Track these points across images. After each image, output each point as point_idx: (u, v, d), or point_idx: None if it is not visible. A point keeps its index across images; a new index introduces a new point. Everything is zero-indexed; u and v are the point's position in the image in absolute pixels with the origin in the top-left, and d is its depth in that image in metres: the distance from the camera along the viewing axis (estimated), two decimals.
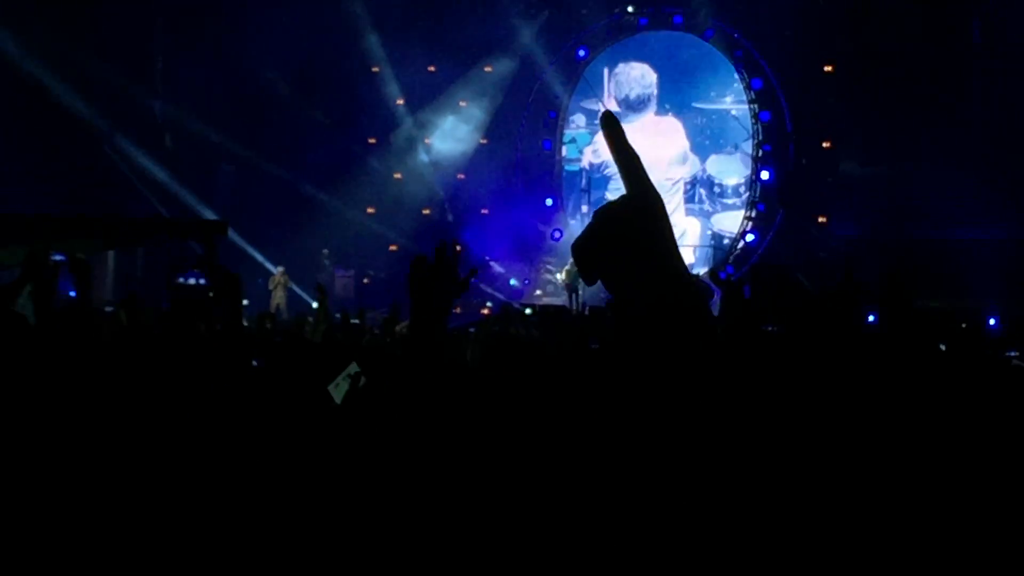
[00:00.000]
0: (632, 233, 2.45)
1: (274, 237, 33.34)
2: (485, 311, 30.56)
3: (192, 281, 25.95)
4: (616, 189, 35.20)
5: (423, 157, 36.32)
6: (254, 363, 9.36)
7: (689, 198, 35.35)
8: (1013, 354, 15.13)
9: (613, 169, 33.50)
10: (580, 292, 32.17)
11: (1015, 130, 31.03)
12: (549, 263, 34.64)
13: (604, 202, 2.52)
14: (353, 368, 6.29)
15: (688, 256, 34.35)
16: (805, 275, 30.14)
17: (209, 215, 32.51)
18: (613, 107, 36.01)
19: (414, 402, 4.59)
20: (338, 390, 6.27)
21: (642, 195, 2.47)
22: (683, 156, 35.42)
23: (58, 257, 10.98)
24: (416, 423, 4.59)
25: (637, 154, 2.50)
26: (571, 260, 26.53)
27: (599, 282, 2.45)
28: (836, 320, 4.66)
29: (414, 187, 36.00)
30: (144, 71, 34.41)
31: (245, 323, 18.78)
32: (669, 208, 2.70)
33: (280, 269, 31.46)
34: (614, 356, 2.52)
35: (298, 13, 33.30)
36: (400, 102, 36.00)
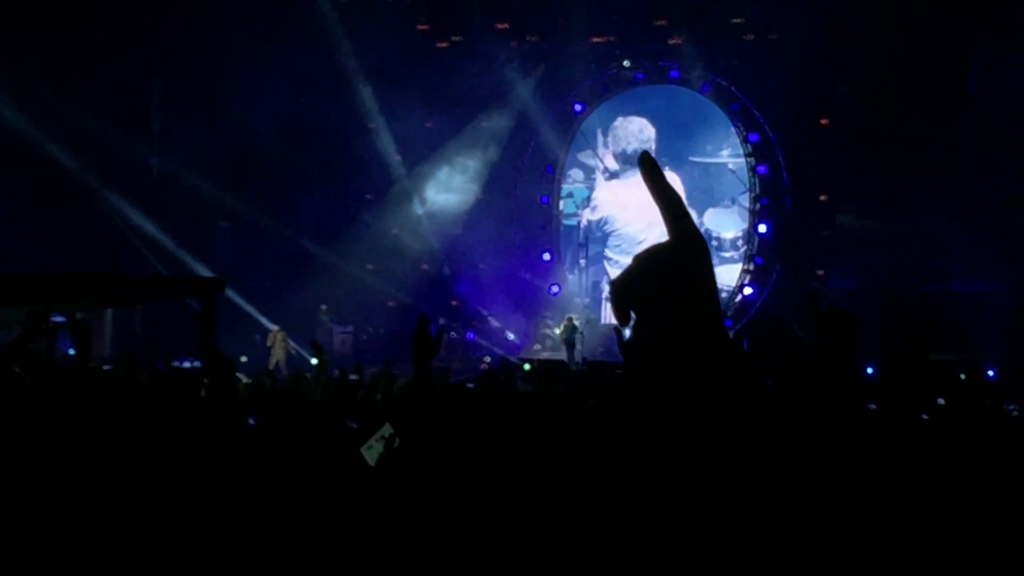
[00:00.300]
0: (674, 278, 2.43)
1: (272, 294, 33.34)
2: (483, 366, 30.54)
3: (187, 364, 25.89)
4: (615, 246, 35.35)
5: (419, 212, 36.32)
6: (250, 421, 9.35)
7: None
8: (1012, 407, 15.12)
9: (612, 225, 33.66)
10: (578, 347, 32.17)
11: (1011, 183, 31.11)
12: (547, 317, 34.61)
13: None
14: (387, 430, 6.29)
15: None
16: (803, 328, 30.22)
17: (206, 273, 32.49)
18: (611, 162, 36.14)
19: (415, 457, 4.58)
20: (371, 452, 6.26)
21: (685, 240, 2.45)
22: None
23: (58, 318, 11.02)
24: (416, 477, 4.57)
25: (678, 195, 2.48)
26: (568, 316, 26.59)
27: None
28: (831, 373, 4.63)
29: (411, 242, 36.03)
30: (141, 130, 34.46)
31: (246, 380, 18.79)
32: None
33: (276, 327, 31.47)
34: (633, 397, 2.50)
35: (293, 70, 33.36)
36: (397, 157, 36.03)
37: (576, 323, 32.96)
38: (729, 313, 33.97)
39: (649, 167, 2.46)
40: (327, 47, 34.19)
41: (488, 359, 32.43)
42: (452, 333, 33.63)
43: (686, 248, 2.42)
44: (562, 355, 32.13)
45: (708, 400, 2.39)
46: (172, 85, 34.70)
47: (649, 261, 2.43)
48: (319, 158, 35.47)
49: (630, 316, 2.48)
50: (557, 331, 33.29)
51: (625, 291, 2.47)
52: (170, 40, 34.25)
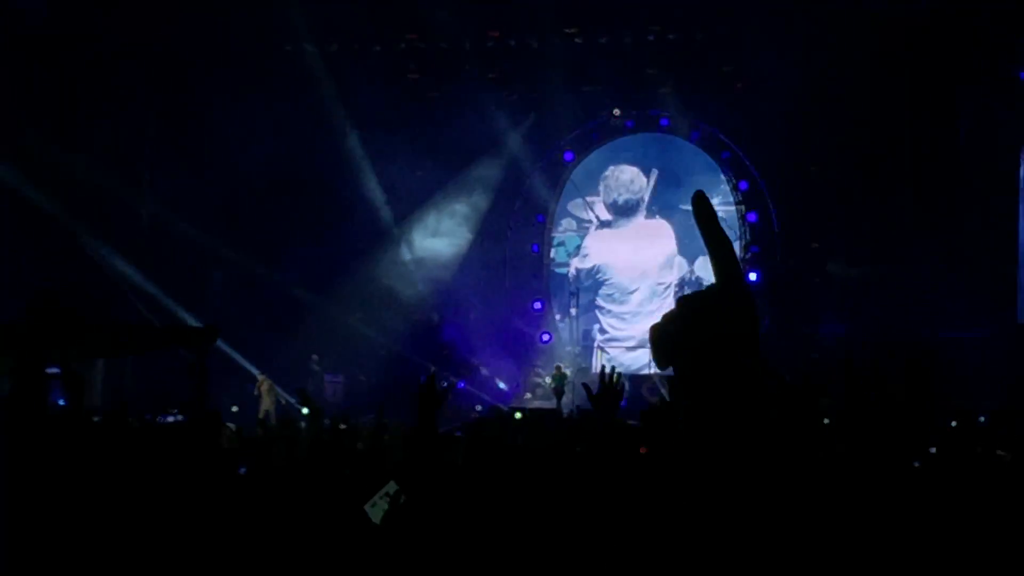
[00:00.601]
0: (717, 326, 2.41)
1: (263, 343, 33.25)
2: (474, 414, 30.50)
3: (171, 419, 25.81)
4: (607, 295, 35.38)
5: (407, 259, 36.28)
6: (241, 470, 9.33)
7: None
8: (1003, 454, 15.11)
9: (603, 274, 33.62)
10: (569, 396, 32.14)
11: (999, 231, 31.27)
12: (538, 366, 34.55)
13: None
14: (392, 487, 6.26)
15: None
16: (792, 375, 30.16)
17: (197, 322, 32.37)
18: (602, 211, 36.21)
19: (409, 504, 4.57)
20: (375, 510, 6.24)
21: (729, 288, 2.43)
22: (671, 259, 35.55)
23: (52, 370, 10.97)
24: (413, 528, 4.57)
25: (728, 240, 2.46)
26: (557, 364, 26.55)
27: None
28: (799, 415, 4.65)
29: (402, 289, 35.95)
30: (132, 178, 34.43)
31: (232, 427, 18.73)
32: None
33: (263, 376, 31.38)
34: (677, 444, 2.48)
35: (282, 118, 33.36)
36: (386, 206, 36.04)
37: (565, 372, 32.94)
38: None
39: (700, 208, 2.44)
40: (317, 95, 34.25)
41: (479, 407, 32.39)
42: (445, 384, 33.52)
43: (730, 293, 2.41)
44: (553, 404, 32.10)
45: (742, 442, 2.39)
46: (163, 133, 34.70)
47: (690, 311, 2.42)
48: (309, 206, 35.37)
49: (668, 364, 2.46)
50: (548, 380, 33.24)
51: (664, 339, 2.45)
52: (161, 89, 34.33)
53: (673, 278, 35.43)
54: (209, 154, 32.95)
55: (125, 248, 33.38)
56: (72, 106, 32.33)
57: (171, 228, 33.72)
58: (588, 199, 36.48)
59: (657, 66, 33.83)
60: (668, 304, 34.79)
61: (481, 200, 36.18)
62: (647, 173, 35.81)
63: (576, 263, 36.60)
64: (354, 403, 32.41)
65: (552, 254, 37.08)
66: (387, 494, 6.13)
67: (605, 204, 36.35)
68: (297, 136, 33.89)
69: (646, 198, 35.87)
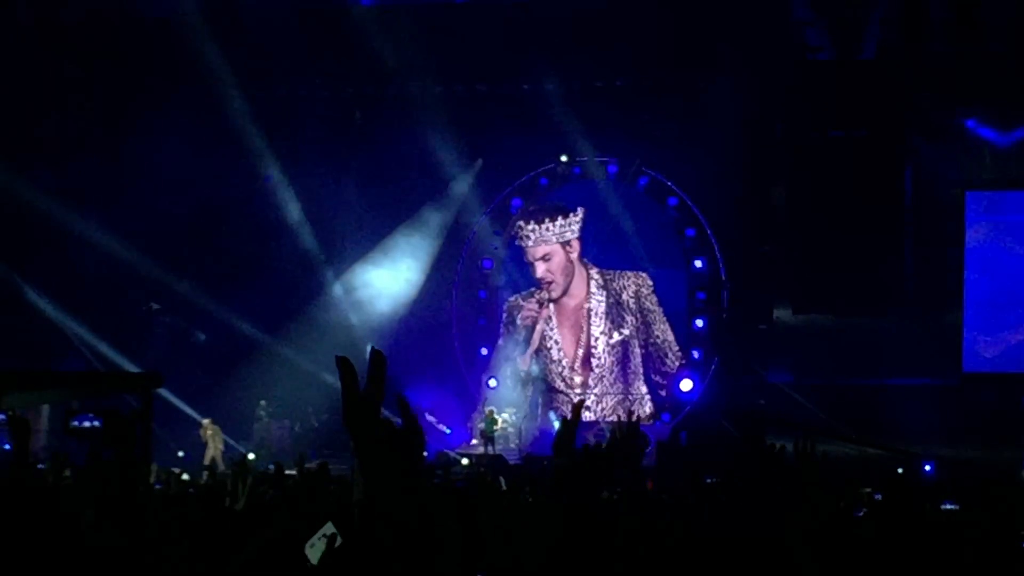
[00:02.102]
0: None
1: (208, 389, 33.05)
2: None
3: (87, 424, 25.59)
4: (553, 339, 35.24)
5: (349, 315, 36.06)
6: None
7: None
8: (950, 506, 15.15)
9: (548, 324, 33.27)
10: (496, 442, 32.13)
11: (944, 282, 31.55)
12: (481, 415, 34.35)
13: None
14: (329, 528, 6.22)
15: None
16: (737, 422, 30.36)
17: (139, 368, 32.13)
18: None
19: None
20: (313, 551, 6.19)
21: None
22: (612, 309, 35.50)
23: None
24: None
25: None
26: (489, 408, 26.51)
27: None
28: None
29: (346, 333, 35.75)
30: (70, 222, 34.23)
31: (185, 477, 18.59)
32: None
33: (207, 420, 31.13)
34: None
35: (224, 162, 33.37)
36: (333, 249, 35.93)
37: (497, 417, 32.85)
38: (667, 407, 34.12)
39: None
40: (259, 140, 34.08)
41: (424, 453, 32.21)
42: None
43: None
44: (500, 448, 32.07)
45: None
46: (100, 173, 34.42)
47: None
48: (251, 252, 35.11)
49: None
50: (480, 425, 33.10)
51: None
52: (90, 131, 34.13)
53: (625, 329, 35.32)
54: (147, 197, 32.79)
55: (65, 293, 33.19)
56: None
57: (112, 272, 33.56)
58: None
59: (605, 113, 33.89)
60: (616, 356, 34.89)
61: (428, 245, 36.06)
62: (590, 220, 35.55)
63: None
64: (302, 448, 32.32)
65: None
66: (324, 535, 6.10)
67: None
68: (238, 181, 33.82)
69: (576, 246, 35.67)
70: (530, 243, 35.21)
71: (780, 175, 33.47)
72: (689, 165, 33.72)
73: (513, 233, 35.80)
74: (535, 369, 35.27)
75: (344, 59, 33.50)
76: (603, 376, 34.86)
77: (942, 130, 31.90)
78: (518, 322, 35.90)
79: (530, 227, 35.07)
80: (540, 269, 35.12)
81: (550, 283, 35.19)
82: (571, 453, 4.69)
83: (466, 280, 36.71)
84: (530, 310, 35.80)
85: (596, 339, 35.08)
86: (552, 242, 35.07)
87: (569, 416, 4.71)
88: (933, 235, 31.98)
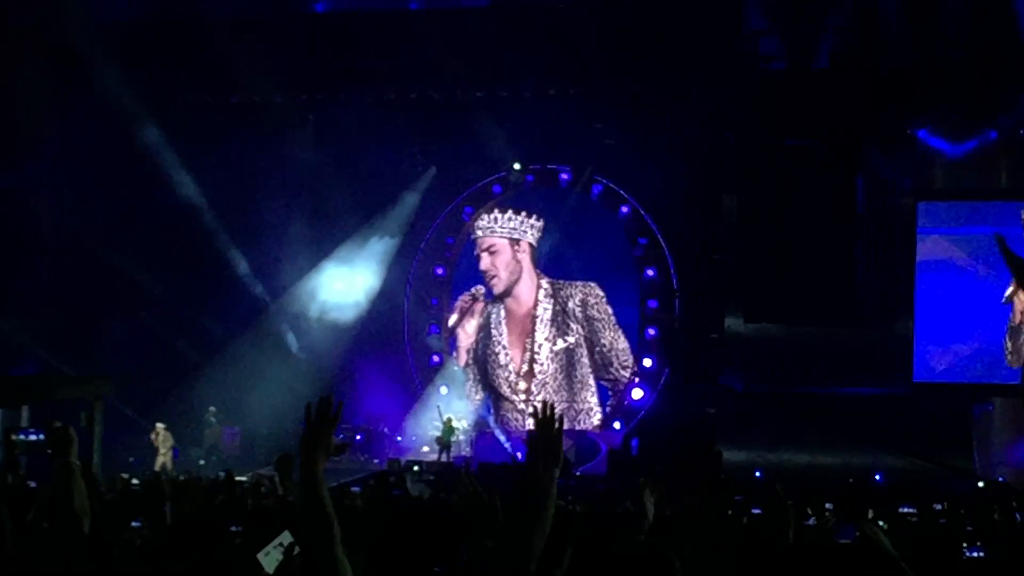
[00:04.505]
0: None
1: (158, 395, 32.84)
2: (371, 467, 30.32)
3: (33, 437, 25.41)
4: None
5: (303, 323, 35.90)
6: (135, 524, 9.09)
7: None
8: (908, 510, 15.22)
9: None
10: (451, 450, 32.17)
11: (896, 290, 31.68)
12: (434, 420, 34.22)
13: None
14: (286, 537, 6.13)
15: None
16: (690, 434, 30.49)
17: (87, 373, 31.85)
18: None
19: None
20: (268, 559, 6.09)
21: None
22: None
23: None
24: None
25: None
26: (448, 416, 26.50)
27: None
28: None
29: (301, 347, 35.63)
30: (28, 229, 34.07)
31: (135, 482, 18.41)
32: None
33: (161, 425, 30.91)
34: None
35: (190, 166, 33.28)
36: (283, 260, 35.75)
37: (455, 425, 32.90)
38: (619, 415, 34.14)
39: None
40: (213, 148, 33.87)
41: (376, 460, 32.24)
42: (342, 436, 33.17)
43: None
44: (455, 457, 32.09)
45: None
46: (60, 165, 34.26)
47: None
48: (202, 262, 34.89)
49: None
50: (438, 431, 33.06)
51: None
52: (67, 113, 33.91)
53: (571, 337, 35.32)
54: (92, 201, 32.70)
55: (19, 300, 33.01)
56: None
57: (63, 277, 33.40)
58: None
59: (558, 121, 33.85)
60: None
61: (381, 253, 35.95)
62: (544, 230, 35.56)
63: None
64: (253, 454, 32.20)
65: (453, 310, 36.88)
66: (281, 544, 6.01)
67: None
68: (188, 185, 33.69)
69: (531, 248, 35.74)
70: (479, 232, 35.47)
71: (733, 184, 33.56)
72: (642, 173, 33.77)
73: (470, 226, 35.94)
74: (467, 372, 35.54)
75: (298, 65, 33.33)
76: (546, 383, 34.90)
77: (894, 140, 32.06)
78: (454, 316, 36.10)
79: (485, 216, 35.29)
80: (485, 261, 35.32)
81: (492, 277, 35.30)
82: (559, 463, 4.58)
83: (419, 287, 36.61)
84: (464, 301, 35.92)
85: (540, 346, 35.15)
86: (501, 235, 35.17)
87: (527, 426, 4.66)
88: (885, 245, 32.12)
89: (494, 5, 33.46)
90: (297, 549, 5.66)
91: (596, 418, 34.51)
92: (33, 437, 25.29)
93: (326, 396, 4.66)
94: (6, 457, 23.48)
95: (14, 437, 25.56)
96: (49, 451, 6.41)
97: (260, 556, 6.14)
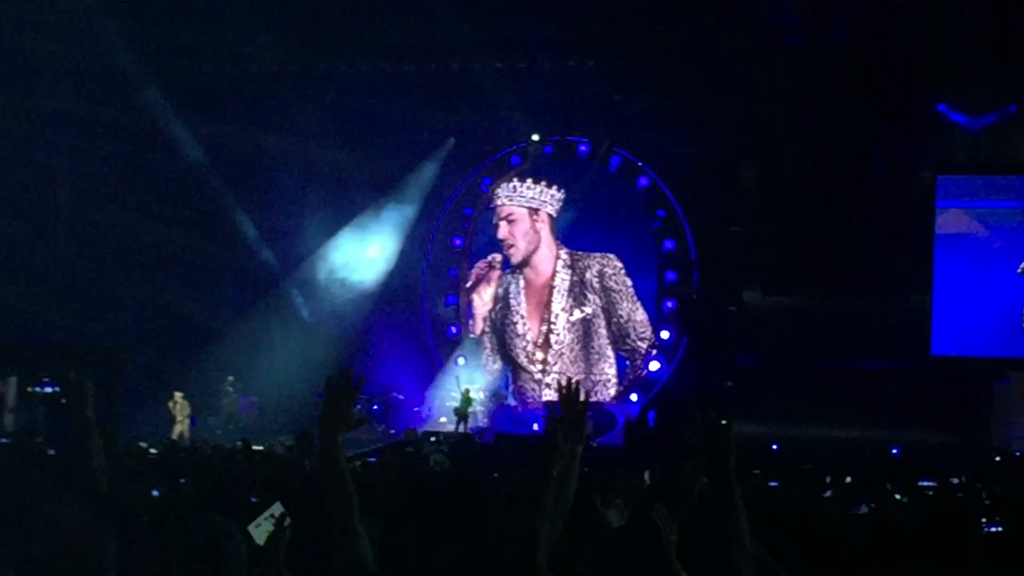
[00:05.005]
0: None
1: (177, 364, 32.95)
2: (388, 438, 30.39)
3: (49, 390, 25.54)
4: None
5: (322, 292, 35.92)
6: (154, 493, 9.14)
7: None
8: (926, 483, 15.21)
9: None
10: (468, 421, 32.19)
11: (914, 262, 31.58)
12: (452, 391, 34.25)
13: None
14: (277, 508, 6.15)
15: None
16: (705, 405, 30.33)
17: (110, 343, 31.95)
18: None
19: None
20: (259, 531, 6.12)
21: None
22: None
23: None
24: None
25: None
26: (465, 387, 26.43)
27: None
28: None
29: (320, 317, 35.68)
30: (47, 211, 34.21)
31: (153, 451, 18.49)
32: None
33: (179, 394, 31.06)
34: None
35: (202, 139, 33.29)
36: (302, 231, 35.81)
37: (472, 396, 32.92)
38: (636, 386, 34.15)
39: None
40: (234, 111, 33.84)
41: (392, 431, 32.35)
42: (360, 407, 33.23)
43: None
44: (472, 427, 32.16)
45: None
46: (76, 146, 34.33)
47: None
48: (223, 233, 35.02)
49: None
50: (456, 401, 33.09)
51: None
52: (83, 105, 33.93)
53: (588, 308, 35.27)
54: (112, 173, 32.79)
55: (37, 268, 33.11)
56: None
57: (82, 247, 33.50)
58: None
59: (576, 92, 33.83)
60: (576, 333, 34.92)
61: (400, 223, 35.97)
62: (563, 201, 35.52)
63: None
64: (270, 424, 32.34)
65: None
66: (272, 515, 6.03)
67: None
68: (206, 155, 33.76)
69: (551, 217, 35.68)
70: (500, 201, 35.31)
71: (751, 156, 33.51)
72: (660, 146, 33.79)
73: (490, 195, 35.99)
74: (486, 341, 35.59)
75: (316, 35, 33.24)
76: (562, 353, 34.85)
77: (913, 114, 31.90)
78: (470, 282, 36.11)
79: (504, 184, 35.26)
80: (503, 230, 35.17)
81: (510, 246, 35.21)
82: (582, 440, 4.58)
83: (436, 258, 36.64)
84: (480, 268, 35.92)
85: (556, 316, 35.07)
86: (520, 204, 35.10)
87: (543, 397, 4.67)
88: (903, 219, 31.98)
89: None
90: (288, 520, 5.68)
91: (613, 389, 34.50)
92: (49, 389, 25.49)
93: (347, 369, 4.67)
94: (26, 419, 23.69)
95: (30, 389, 25.77)
96: (63, 401, 6.43)
97: (251, 528, 6.18)
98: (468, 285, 36.19)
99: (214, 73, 34.04)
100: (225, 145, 33.63)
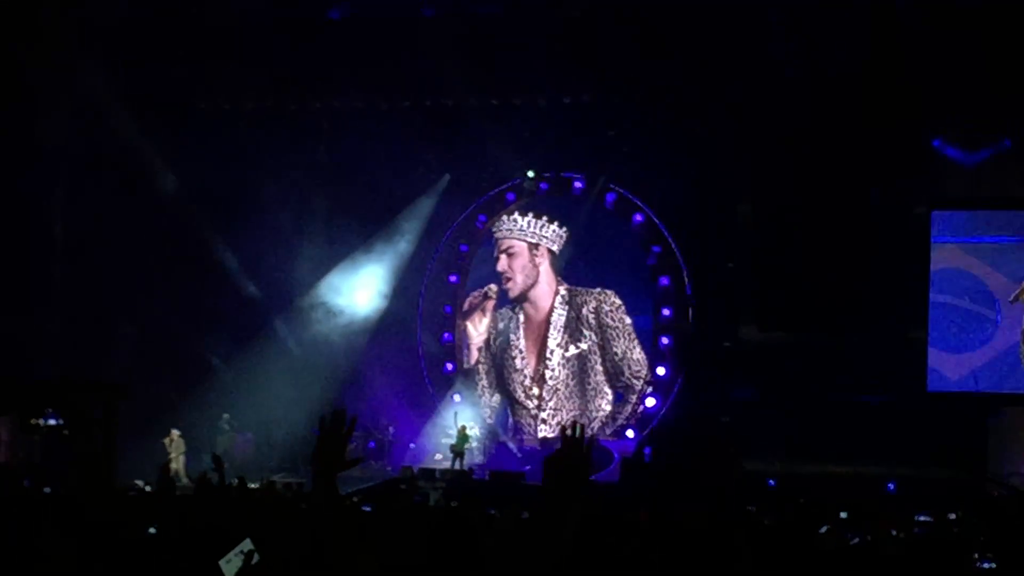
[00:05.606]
0: None
1: (173, 402, 32.93)
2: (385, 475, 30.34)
3: (52, 422, 25.51)
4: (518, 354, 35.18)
5: (318, 329, 35.86)
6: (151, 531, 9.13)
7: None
8: (922, 518, 15.22)
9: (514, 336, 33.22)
10: (464, 458, 32.11)
11: (909, 298, 31.62)
12: (447, 427, 34.21)
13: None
14: (247, 545, 6.16)
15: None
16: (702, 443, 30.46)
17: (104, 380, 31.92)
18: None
19: None
20: (229, 566, 6.12)
21: None
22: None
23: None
24: None
25: None
26: (462, 424, 26.50)
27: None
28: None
29: (311, 352, 35.61)
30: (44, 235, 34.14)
31: (148, 488, 18.49)
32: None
33: (176, 432, 31.09)
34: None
35: (193, 178, 33.33)
36: (296, 260, 35.79)
37: (469, 433, 32.87)
38: (632, 422, 34.10)
39: None
40: (226, 152, 33.80)
41: (389, 468, 32.27)
42: (355, 444, 33.14)
43: None
44: (466, 465, 32.06)
45: None
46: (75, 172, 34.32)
47: None
48: (215, 268, 35.02)
49: None
50: (453, 439, 33.01)
51: None
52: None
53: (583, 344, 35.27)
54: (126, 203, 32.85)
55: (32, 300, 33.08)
56: None
57: (81, 281, 33.49)
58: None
59: (571, 128, 33.91)
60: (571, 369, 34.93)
61: (393, 260, 35.97)
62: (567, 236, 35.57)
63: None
64: (266, 461, 32.31)
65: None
66: (241, 552, 6.05)
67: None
68: (202, 191, 33.74)
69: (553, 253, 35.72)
70: (500, 234, 35.40)
71: (747, 192, 33.56)
72: (656, 182, 33.85)
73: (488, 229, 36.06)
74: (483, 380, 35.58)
75: (311, 72, 33.32)
76: (557, 389, 34.90)
77: (908, 149, 31.95)
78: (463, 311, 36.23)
79: (505, 218, 35.37)
80: (502, 263, 35.34)
81: (508, 280, 35.33)
82: (584, 485, 4.38)
83: (432, 293, 36.65)
84: (475, 297, 36.01)
85: (552, 351, 35.10)
86: (520, 237, 35.18)
87: (539, 433, 4.62)
88: (899, 254, 32.00)
89: (508, 13, 33.36)
90: (256, 557, 5.69)
91: (609, 426, 34.47)
92: (52, 422, 25.46)
93: (340, 409, 4.67)
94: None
95: (33, 421, 25.73)
96: (66, 433, 6.45)
97: (221, 563, 6.19)
98: (462, 312, 36.23)
99: (209, 111, 34.16)
100: (220, 182, 33.57)
